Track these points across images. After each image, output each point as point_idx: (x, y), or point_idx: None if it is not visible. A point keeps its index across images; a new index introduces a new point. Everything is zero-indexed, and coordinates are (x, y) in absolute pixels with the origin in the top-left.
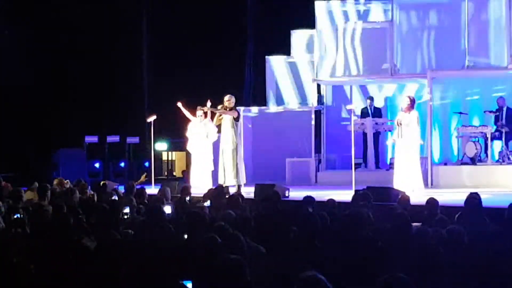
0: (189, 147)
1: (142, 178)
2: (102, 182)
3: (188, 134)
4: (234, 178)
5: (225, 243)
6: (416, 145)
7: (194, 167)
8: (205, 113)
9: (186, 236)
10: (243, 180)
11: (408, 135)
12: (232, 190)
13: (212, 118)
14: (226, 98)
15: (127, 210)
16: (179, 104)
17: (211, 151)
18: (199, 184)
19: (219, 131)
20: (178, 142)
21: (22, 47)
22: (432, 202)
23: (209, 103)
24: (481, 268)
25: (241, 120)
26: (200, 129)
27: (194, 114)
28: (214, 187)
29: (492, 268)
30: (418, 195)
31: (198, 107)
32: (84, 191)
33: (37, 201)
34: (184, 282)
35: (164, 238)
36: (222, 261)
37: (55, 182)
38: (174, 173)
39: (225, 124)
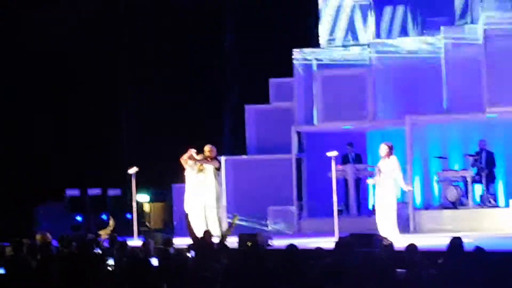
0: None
1: (110, 224)
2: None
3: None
4: (218, 228)
5: None
6: (394, 192)
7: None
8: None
9: None
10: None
11: (386, 183)
12: (215, 240)
13: None
14: (207, 148)
15: (111, 262)
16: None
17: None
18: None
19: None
20: (158, 193)
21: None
22: (411, 248)
23: (193, 152)
24: None
25: (222, 169)
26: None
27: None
28: (197, 238)
29: None
30: (396, 241)
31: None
32: (68, 245)
33: (12, 255)
34: None
35: None
36: None
37: (37, 236)
38: (148, 225)
39: (207, 174)
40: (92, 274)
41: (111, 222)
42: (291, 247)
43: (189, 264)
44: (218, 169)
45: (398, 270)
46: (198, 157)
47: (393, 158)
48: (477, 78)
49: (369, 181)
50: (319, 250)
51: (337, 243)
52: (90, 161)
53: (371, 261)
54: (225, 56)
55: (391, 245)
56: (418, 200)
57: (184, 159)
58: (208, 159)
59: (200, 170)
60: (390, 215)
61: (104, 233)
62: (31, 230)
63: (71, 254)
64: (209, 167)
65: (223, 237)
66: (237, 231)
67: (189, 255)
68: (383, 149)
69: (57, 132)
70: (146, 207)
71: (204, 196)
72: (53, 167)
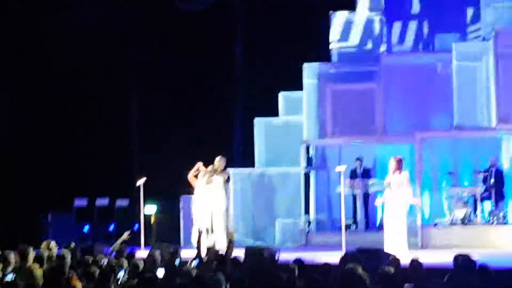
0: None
1: (125, 236)
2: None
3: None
4: (226, 240)
5: None
6: (404, 206)
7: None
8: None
9: None
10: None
11: (397, 197)
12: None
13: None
14: (217, 159)
15: (121, 273)
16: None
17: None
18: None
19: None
20: (167, 204)
21: (8, 110)
22: (415, 264)
23: (200, 165)
24: None
25: (231, 181)
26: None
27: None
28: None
29: None
30: (404, 257)
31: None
32: (74, 254)
33: (18, 264)
34: None
35: None
36: None
37: (42, 245)
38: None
39: (215, 186)
40: (100, 285)
41: (125, 234)
42: (298, 261)
43: (194, 274)
44: (226, 181)
45: (406, 284)
46: (209, 168)
47: (404, 173)
48: (487, 95)
49: (377, 202)
50: (326, 265)
51: (342, 258)
52: (98, 171)
53: (378, 276)
54: (236, 69)
55: (398, 260)
56: (427, 216)
57: (191, 176)
58: (218, 170)
59: (209, 182)
60: (399, 229)
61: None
62: (38, 239)
63: (77, 263)
64: (218, 179)
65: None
66: (244, 244)
67: (193, 263)
68: (392, 163)
69: (66, 141)
70: (154, 218)
71: (212, 207)
72: (61, 176)
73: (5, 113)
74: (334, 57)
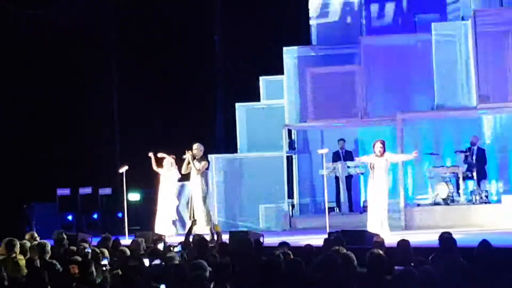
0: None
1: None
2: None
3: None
4: (207, 226)
5: None
6: (387, 188)
7: (161, 215)
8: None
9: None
10: None
11: (380, 178)
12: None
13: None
14: (195, 146)
15: (105, 262)
16: (151, 155)
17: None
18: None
19: (184, 179)
20: (150, 192)
21: None
22: (403, 244)
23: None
24: None
25: (213, 167)
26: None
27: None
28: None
29: None
30: (387, 237)
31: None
32: (62, 244)
33: (5, 255)
34: None
35: None
36: None
37: (26, 236)
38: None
39: (193, 173)
40: (84, 274)
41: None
42: (283, 245)
43: (178, 261)
44: (207, 168)
45: (396, 267)
46: (187, 154)
47: (387, 154)
48: (467, 74)
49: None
50: (308, 246)
51: (326, 240)
52: (81, 160)
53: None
54: (217, 54)
55: (382, 241)
56: (410, 196)
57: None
58: (196, 157)
59: (188, 169)
60: (382, 210)
61: None
62: (22, 230)
63: (64, 253)
64: (197, 166)
65: (212, 234)
66: (228, 229)
67: (176, 249)
68: (378, 146)
69: (48, 131)
70: (137, 206)
71: (191, 194)
72: (44, 166)
73: None
74: (314, 40)
